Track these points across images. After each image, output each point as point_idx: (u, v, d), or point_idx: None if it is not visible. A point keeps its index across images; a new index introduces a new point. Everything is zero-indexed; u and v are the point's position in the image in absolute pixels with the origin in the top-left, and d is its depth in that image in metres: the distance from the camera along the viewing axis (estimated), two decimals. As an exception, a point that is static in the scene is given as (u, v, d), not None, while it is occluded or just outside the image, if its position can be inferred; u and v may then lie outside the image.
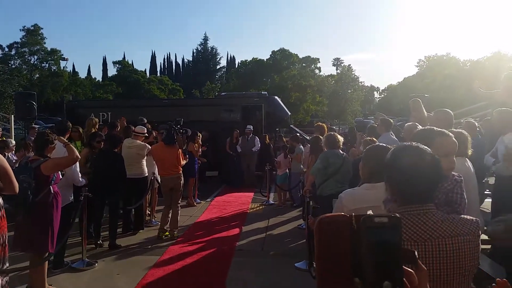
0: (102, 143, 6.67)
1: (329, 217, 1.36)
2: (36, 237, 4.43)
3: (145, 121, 9.07)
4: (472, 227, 1.59)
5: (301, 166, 8.67)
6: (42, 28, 43.75)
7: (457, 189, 2.27)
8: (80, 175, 5.50)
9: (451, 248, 1.53)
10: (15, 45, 43.15)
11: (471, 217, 1.63)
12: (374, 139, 5.91)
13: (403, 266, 1.17)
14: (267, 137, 12.18)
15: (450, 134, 2.32)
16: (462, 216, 1.65)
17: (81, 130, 7.39)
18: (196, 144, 9.88)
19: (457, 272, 1.53)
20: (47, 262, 4.69)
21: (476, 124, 6.90)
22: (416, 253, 1.18)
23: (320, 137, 6.70)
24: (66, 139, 5.47)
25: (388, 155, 1.66)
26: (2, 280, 4.04)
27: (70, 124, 5.92)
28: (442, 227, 1.55)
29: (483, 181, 6.43)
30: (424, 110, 6.52)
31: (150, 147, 7.42)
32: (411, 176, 1.56)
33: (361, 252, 1.15)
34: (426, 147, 1.64)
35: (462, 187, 2.28)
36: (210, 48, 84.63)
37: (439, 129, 2.36)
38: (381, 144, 2.98)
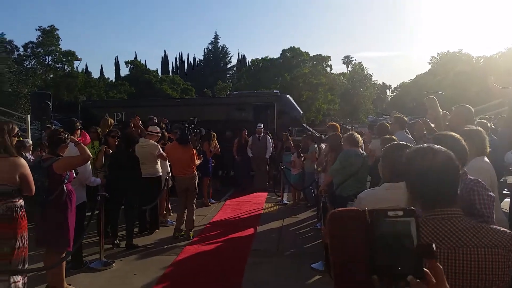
0: (117, 138, 6.76)
1: (341, 212, 1.32)
2: (53, 235, 4.49)
3: (156, 120, 8.97)
4: (505, 239, 1.47)
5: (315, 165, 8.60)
6: (58, 30, 44.21)
7: (475, 195, 2.12)
8: (92, 173, 5.55)
9: (480, 259, 1.44)
10: (30, 45, 43.66)
11: (505, 229, 1.52)
12: (393, 137, 5.85)
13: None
14: (288, 136, 11.48)
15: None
16: (494, 226, 1.55)
17: (99, 130, 7.46)
18: (213, 143, 9.91)
19: (485, 285, 1.44)
20: (65, 262, 4.75)
21: (489, 124, 6.79)
22: (434, 246, 1.15)
23: (339, 134, 6.61)
24: (78, 138, 5.60)
25: (403, 159, 1.63)
26: (22, 279, 4.10)
27: (79, 124, 5.91)
28: (468, 235, 1.46)
29: (501, 180, 6.33)
30: (439, 107, 6.45)
31: (160, 149, 7.38)
32: (428, 176, 1.51)
33: (376, 247, 1.13)
34: (439, 146, 1.59)
35: (480, 193, 2.12)
36: (221, 47, 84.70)
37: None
38: (400, 142, 2.94)
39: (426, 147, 1.61)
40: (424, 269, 1.11)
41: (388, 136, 5.53)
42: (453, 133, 2.30)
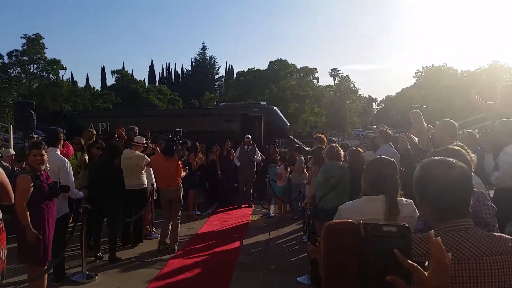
0: (100, 150, 6.68)
1: (337, 224, 1.33)
2: (24, 251, 4.36)
3: (136, 130, 8.81)
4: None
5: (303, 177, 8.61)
6: (43, 38, 43.83)
7: (481, 206, 2.22)
8: (74, 185, 5.44)
9: (494, 267, 1.47)
10: (15, 53, 43.14)
11: (509, 236, 1.57)
12: (359, 149, 6.06)
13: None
14: (275, 148, 11.23)
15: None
16: (500, 234, 1.59)
17: (82, 141, 7.38)
18: (200, 155, 9.85)
19: None
20: (46, 275, 4.63)
21: (477, 135, 6.89)
22: (426, 264, 1.15)
23: (323, 147, 6.65)
24: (61, 148, 5.55)
25: (417, 172, 1.63)
26: None
27: (62, 134, 5.80)
28: (483, 244, 1.50)
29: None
30: (424, 121, 6.54)
31: (148, 159, 7.38)
32: (445, 188, 1.53)
33: (368, 262, 1.12)
34: (453, 159, 1.61)
35: (485, 203, 2.23)
36: (208, 58, 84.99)
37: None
38: (382, 156, 2.97)
39: (441, 159, 1.62)
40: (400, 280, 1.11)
41: (354, 148, 5.94)
42: (458, 148, 2.34)
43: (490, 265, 1.47)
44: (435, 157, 1.67)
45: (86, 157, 6.83)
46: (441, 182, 1.53)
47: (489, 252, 1.48)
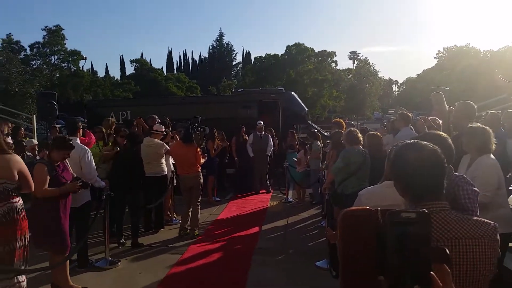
0: (125, 139, 6.80)
1: (353, 211, 1.32)
2: (44, 238, 4.48)
3: (157, 118, 8.89)
4: (490, 230, 1.53)
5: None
6: (63, 29, 44.36)
7: (459, 190, 2.20)
8: (96, 173, 5.56)
9: (468, 250, 1.48)
10: (36, 45, 43.85)
11: (489, 221, 1.58)
12: (377, 133, 5.97)
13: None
14: (294, 134, 11.43)
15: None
16: (478, 218, 1.60)
17: (104, 130, 7.51)
18: (218, 142, 9.90)
19: (474, 275, 1.48)
20: (68, 261, 4.76)
21: (500, 117, 6.72)
22: (447, 251, 1.13)
23: (341, 131, 6.58)
24: (81, 137, 5.70)
25: (391, 155, 1.67)
26: (25, 280, 4.12)
27: (81, 124, 5.94)
28: (458, 227, 1.51)
29: (507, 176, 6.27)
30: (445, 103, 6.41)
31: (167, 146, 7.47)
32: (415, 170, 1.55)
33: (387, 249, 1.11)
34: (425, 142, 1.63)
35: (464, 188, 2.21)
36: (225, 44, 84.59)
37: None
38: (407, 141, 2.93)
39: (412, 142, 1.65)
40: (431, 273, 1.09)
41: (372, 132, 5.84)
42: (440, 132, 2.33)
43: (464, 248, 1.47)
44: (408, 141, 1.70)
45: (114, 148, 6.97)
46: (411, 165, 1.56)
47: (464, 235, 1.49)
